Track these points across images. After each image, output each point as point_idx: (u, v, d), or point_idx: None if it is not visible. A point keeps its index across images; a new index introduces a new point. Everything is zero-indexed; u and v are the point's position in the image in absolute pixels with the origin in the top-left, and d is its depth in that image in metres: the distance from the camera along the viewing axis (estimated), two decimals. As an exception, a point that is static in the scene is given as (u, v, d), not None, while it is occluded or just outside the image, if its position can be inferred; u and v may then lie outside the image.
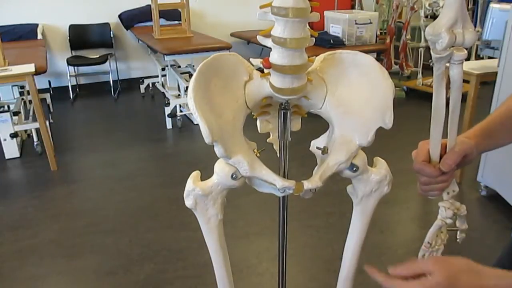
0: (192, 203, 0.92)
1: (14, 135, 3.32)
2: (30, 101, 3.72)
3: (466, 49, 0.72)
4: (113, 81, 5.14)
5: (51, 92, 4.56)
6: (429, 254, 0.92)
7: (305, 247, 2.27)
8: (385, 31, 5.38)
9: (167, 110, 3.97)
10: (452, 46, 0.70)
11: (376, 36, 4.68)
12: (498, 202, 2.57)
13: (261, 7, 0.77)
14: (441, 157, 0.83)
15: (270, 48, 0.80)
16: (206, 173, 0.93)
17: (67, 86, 5.00)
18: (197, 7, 5.20)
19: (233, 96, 0.85)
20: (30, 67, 2.98)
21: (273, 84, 0.82)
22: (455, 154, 0.81)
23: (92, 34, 5.07)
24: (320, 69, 0.88)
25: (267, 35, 0.81)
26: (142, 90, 5.17)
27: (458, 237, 0.93)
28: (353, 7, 5.67)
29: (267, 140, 1.05)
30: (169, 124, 4.04)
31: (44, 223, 2.53)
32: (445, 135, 0.82)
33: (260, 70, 0.87)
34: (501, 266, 0.96)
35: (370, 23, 4.38)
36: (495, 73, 2.47)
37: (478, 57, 4.74)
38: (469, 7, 5.53)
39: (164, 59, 3.90)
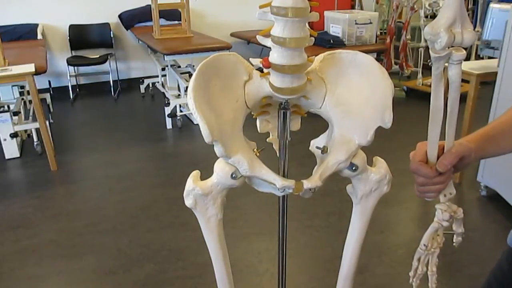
0: (192, 202, 0.92)
1: (14, 135, 3.32)
2: (30, 101, 3.72)
3: (466, 49, 0.72)
4: (113, 81, 5.14)
5: (51, 92, 4.56)
6: (425, 257, 0.92)
7: (305, 247, 2.27)
8: (385, 31, 5.38)
9: (167, 110, 3.97)
10: (451, 46, 0.70)
11: (376, 36, 4.68)
12: (498, 202, 2.57)
13: (260, 7, 0.78)
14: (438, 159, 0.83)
15: (270, 48, 0.80)
16: (206, 173, 0.93)
17: (67, 86, 5.00)
18: (197, 7, 5.20)
19: (233, 96, 0.85)
20: (30, 67, 2.98)
21: (273, 84, 0.83)
22: (452, 155, 0.81)
23: (92, 34, 5.07)
24: (319, 68, 0.88)
25: (267, 35, 0.81)
26: (142, 90, 5.17)
27: (454, 240, 0.93)
28: (353, 7, 5.67)
29: (267, 140, 1.05)
30: (169, 124, 4.04)
31: (44, 223, 2.53)
32: (443, 136, 0.82)
33: (260, 70, 0.87)
34: (501, 271, 0.96)
35: (370, 23, 4.38)
36: (495, 73, 2.47)
37: (478, 57, 4.74)
38: (469, 7, 5.53)
39: (164, 59, 3.90)
